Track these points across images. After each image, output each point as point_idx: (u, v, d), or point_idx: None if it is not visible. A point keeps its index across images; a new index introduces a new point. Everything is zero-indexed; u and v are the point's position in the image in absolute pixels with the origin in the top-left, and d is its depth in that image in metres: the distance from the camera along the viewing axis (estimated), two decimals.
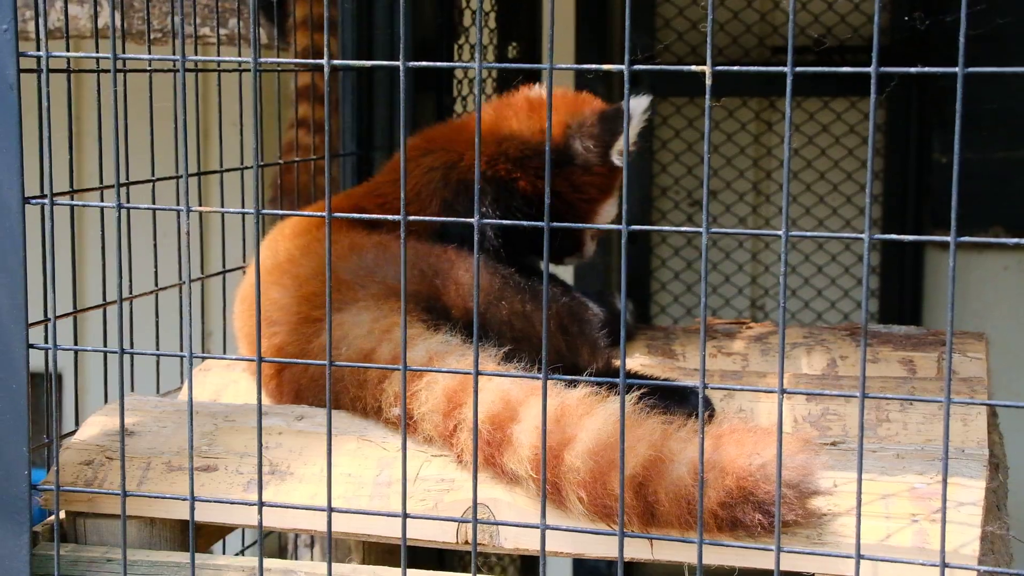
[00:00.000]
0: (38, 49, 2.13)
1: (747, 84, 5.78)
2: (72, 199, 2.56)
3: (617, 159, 2.82)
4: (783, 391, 1.85)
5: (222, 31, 4.01)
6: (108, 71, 2.68)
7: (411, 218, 1.99)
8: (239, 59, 2.07)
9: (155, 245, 3.02)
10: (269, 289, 2.55)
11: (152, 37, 3.10)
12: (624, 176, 1.91)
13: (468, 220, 1.94)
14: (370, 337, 2.41)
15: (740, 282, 6.12)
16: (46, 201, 2.15)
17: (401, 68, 1.94)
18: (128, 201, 2.11)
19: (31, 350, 2.15)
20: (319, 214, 2.09)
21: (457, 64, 2.05)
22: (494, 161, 2.79)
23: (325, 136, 2.15)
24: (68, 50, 2.92)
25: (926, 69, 1.81)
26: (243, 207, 3.30)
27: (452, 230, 2.69)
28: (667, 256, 6.11)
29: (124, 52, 2.76)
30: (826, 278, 6.02)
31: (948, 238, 1.78)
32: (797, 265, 5.98)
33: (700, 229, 1.89)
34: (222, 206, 3.31)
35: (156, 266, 3.04)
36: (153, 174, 3.00)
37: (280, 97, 3.64)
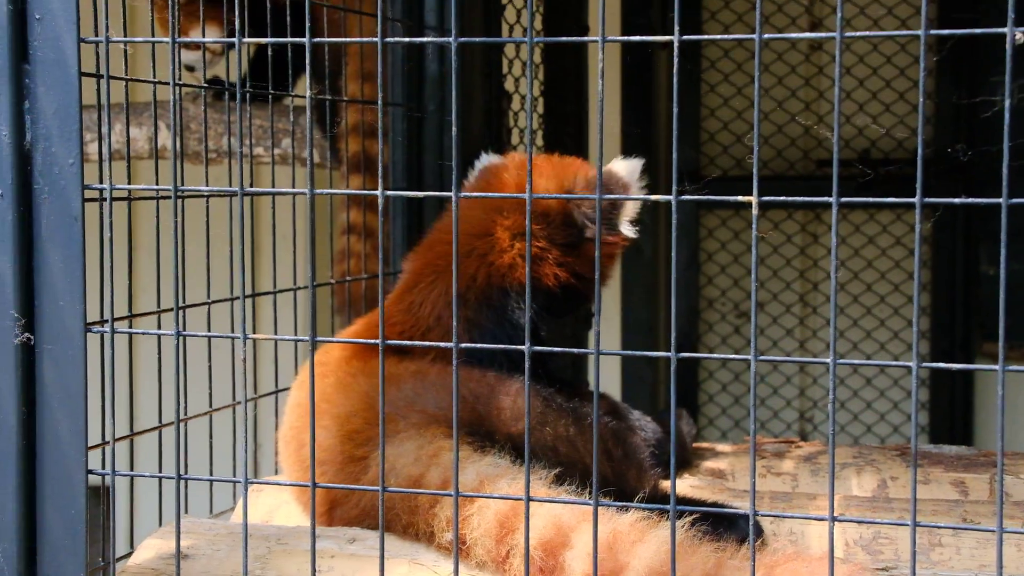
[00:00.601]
0: (100, 179, 2.20)
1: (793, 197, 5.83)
2: (130, 324, 2.60)
3: (627, 229, 2.78)
4: (834, 519, 1.85)
5: (276, 151, 4.10)
6: (167, 198, 2.76)
7: (463, 345, 2.01)
8: (294, 191, 2.13)
9: (210, 367, 3.05)
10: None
11: (208, 157, 3.18)
12: (673, 297, 1.94)
13: (519, 348, 1.96)
14: (418, 463, 2.43)
15: (788, 394, 6.11)
16: (107, 329, 2.19)
17: (453, 199, 1.98)
18: (184, 325, 2.16)
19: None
20: (373, 341, 2.11)
21: (507, 195, 2.11)
22: (512, 268, 2.74)
23: (379, 260, 2.20)
24: (128, 173, 3.00)
25: (969, 200, 1.83)
26: (295, 323, 3.34)
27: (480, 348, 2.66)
28: (714, 368, 6.11)
29: (182, 170, 2.83)
30: (875, 390, 5.99)
31: (996, 367, 1.80)
32: (846, 377, 5.96)
33: (748, 357, 1.91)
34: (275, 322, 3.36)
35: (211, 387, 3.08)
36: (208, 295, 3.04)
37: (332, 219, 3.71)
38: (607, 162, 2.81)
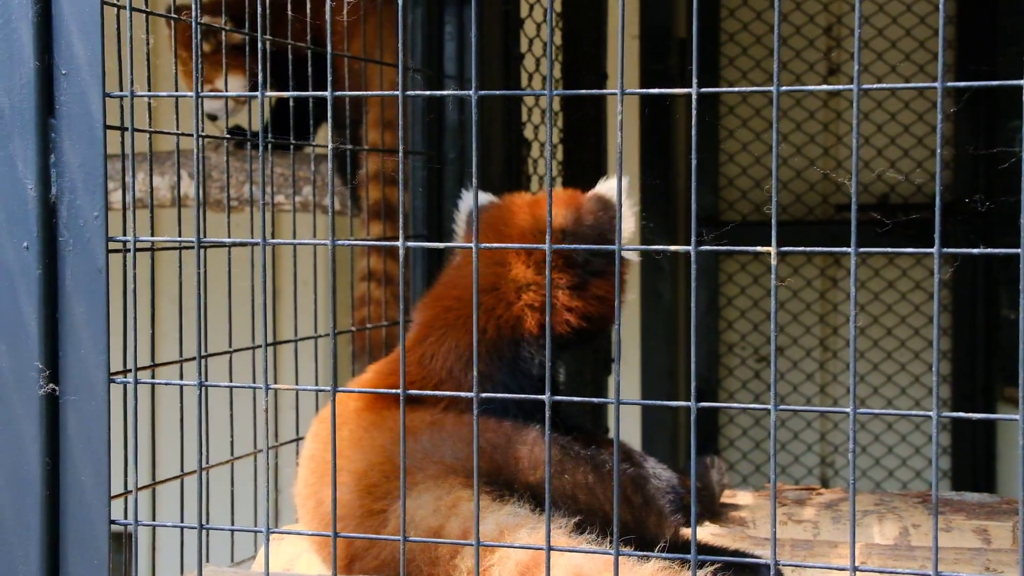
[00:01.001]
0: (124, 228, 2.22)
1: (812, 241, 5.84)
2: (153, 374, 2.61)
3: (629, 254, 2.78)
4: (855, 568, 1.85)
5: (297, 198, 4.13)
6: (190, 248, 2.78)
7: (484, 395, 2.02)
8: (316, 242, 2.14)
9: (231, 415, 3.06)
10: (328, 488, 2.37)
11: (230, 205, 3.20)
12: (693, 346, 1.94)
13: (539, 397, 1.97)
14: (437, 515, 2.41)
15: (809, 438, 6.09)
16: (130, 380, 2.21)
17: (474, 250, 2.00)
18: (206, 374, 2.18)
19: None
20: (394, 391, 2.11)
21: (527, 246, 2.11)
22: (521, 320, 2.72)
23: (399, 311, 2.21)
24: (152, 222, 3.02)
25: (988, 251, 1.84)
26: (316, 371, 3.35)
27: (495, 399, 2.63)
28: (734, 413, 6.10)
29: (204, 219, 2.84)
30: (896, 435, 5.97)
31: (1016, 416, 1.80)
32: (867, 422, 5.95)
33: (768, 406, 1.91)
34: (296, 370, 3.38)
35: (232, 435, 3.08)
36: (230, 343, 3.05)
37: (353, 265, 3.72)
38: (599, 186, 2.82)
